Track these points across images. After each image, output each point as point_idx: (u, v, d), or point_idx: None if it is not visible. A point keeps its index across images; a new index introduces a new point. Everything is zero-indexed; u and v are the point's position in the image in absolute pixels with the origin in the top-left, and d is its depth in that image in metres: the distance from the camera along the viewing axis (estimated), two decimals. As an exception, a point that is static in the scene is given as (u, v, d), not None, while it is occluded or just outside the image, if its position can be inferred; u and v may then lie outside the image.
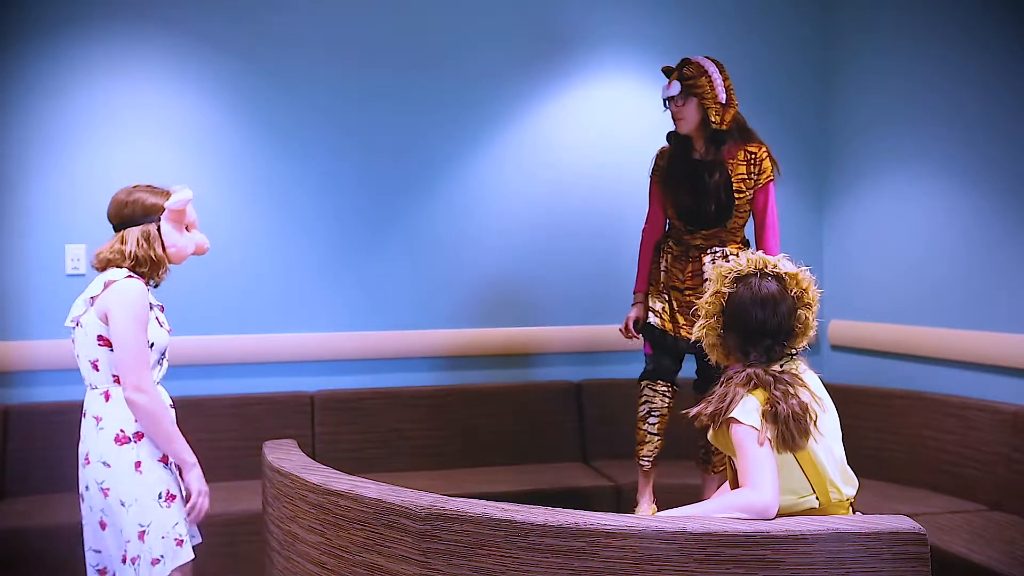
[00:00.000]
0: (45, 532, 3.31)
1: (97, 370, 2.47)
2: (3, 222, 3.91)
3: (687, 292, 3.40)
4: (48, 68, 3.93)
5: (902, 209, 4.26)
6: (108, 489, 2.43)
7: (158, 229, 2.54)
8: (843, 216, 4.66)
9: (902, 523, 1.95)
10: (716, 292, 2.26)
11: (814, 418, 2.12)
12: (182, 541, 2.46)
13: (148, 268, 2.52)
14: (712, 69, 3.31)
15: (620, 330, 3.59)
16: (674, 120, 3.37)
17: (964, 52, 3.92)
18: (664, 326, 3.44)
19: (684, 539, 1.88)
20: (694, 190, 3.35)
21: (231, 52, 4.11)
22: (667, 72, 3.40)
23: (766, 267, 2.25)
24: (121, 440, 2.43)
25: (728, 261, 3.36)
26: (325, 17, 4.21)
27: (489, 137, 4.42)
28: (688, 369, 3.53)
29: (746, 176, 3.34)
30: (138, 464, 2.43)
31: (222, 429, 3.97)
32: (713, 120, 3.30)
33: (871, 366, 4.39)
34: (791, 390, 2.12)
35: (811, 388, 2.20)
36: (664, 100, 3.39)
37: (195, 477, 2.51)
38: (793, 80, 4.73)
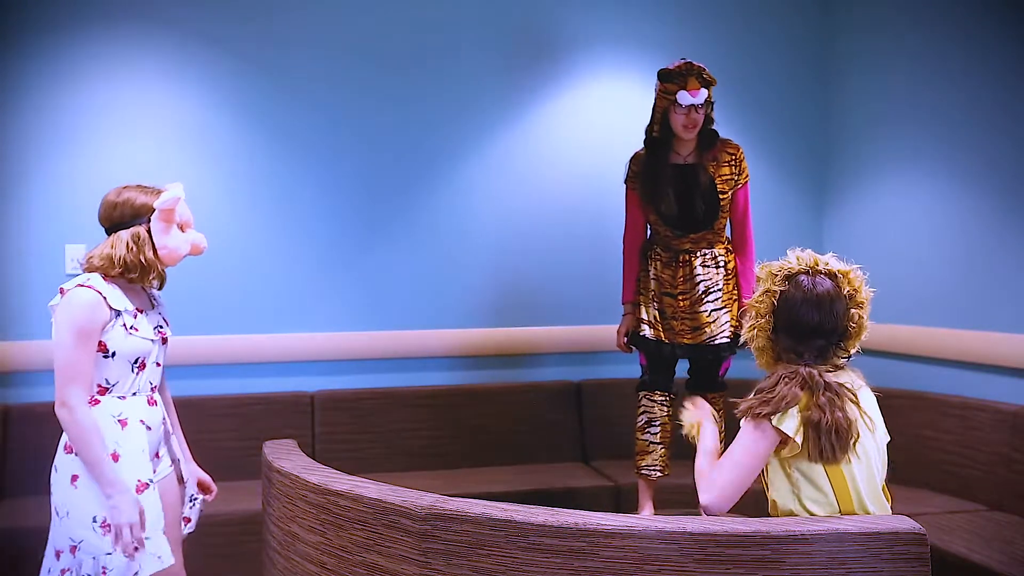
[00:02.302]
0: (45, 532, 3.30)
1: None
2: (3, 222, 3.91)
3: (680, 297, 3.39)
4: (48, 68, 3.93)
5: (902, 209, 4.26)
6: (52, 493, 2.39)
7: (148, 231, 2.44)
8: (843, 216, 4.65)
9: (902, 523, 1.95)
10: (767, 291, 2.17)
11: (855, 437, 2.07)
12: (105, 570, 2.31)
13: (138, 273, 2.43)
14: None
15: (617, 347, 3.58)
16: (685, 127, 3.27)
17: (965, 52, 3.92)
18: (658, 335, 3.43)
19: (684, 539, 1.88)
20: (678, 195, 3.32)
21: (231, 52, 4.11)
22: (667, 76, 3.26)
23: (816, 265, 2.17)
24: (68, 449, 2.38)
25: (718, 262, 3.38)
26: (325, 17, 4.21)
27: (490, 137, 4.42)
28: (681, 371, 3.54)
29: (729, 176, 3.35)
30: (74, 478, 2.35)
31: (222, 429, 3.97)
32: (712, 124, 3.33)
33: (871, 366, 4.34)
34: (838, 401, 2.06)
35: (862, 405, 2.13)
36: (682, 107, 3.23)
37: (114, 508, 2.29)
38: (793, 80, 4.73)
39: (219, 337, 4.12)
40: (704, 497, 2.11)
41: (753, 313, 2.19)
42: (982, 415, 3.66)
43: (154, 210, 2.44)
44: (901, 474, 3.92)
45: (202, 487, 2.75)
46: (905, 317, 4.22)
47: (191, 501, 2.69)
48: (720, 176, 3.34)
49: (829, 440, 2.03)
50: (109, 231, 2.46)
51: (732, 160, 3.36)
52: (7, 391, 3.89)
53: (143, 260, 2.42)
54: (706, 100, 3.26)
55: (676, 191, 3.33)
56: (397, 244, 4.33)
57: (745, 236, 3.43)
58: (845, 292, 2.15)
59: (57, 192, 3.95)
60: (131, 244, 2.42)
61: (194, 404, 3.95)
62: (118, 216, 2.44)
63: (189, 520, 2.68)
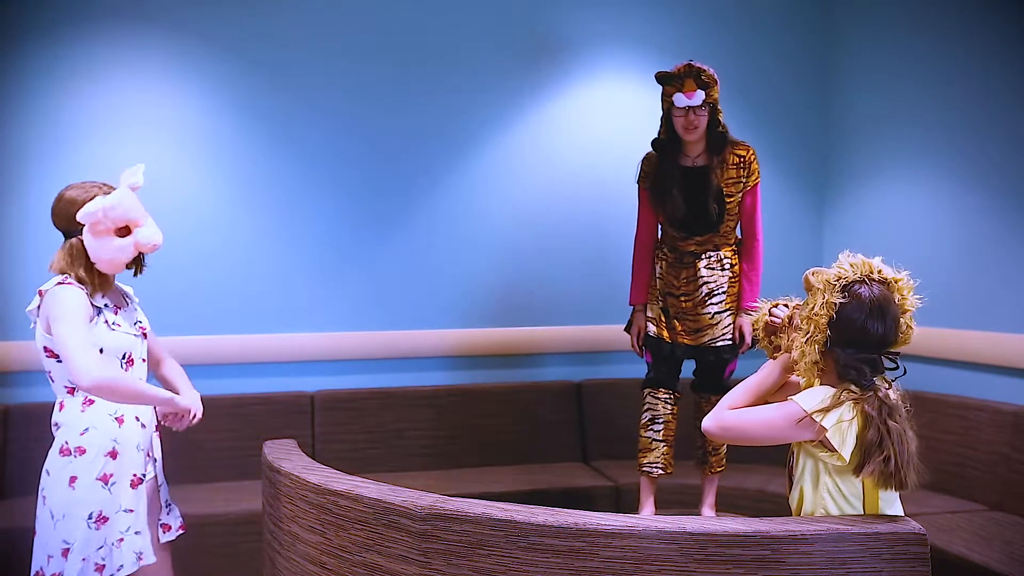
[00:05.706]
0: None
1: (53, 381, 2.42)
2: (3, 222, 3.91)
3: (683, 299, 3.39)
4: (49, 67, 3.93)
5: (903, 209, 4.26)
6: (45, 497, 2.37)
7: (82, 241, 2.38)
8: (844, 216, 4.65)
9: (902, 523, 1.95)
10: (826, 303, 2.03)
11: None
12: (103, 567, 2.34)
13: (88, 282, 2.40)
14: (717, 77, 3.27)
15: (632, 348, 3.56)
16: (685, 129, 3.27)
17: (966, 52, 3.92)
18: (660, 334, 3.43)
19: (684, 539, 1.88)
20: (686, 198, 3.31)
21: (232, 51, 4.11)
22: (665, 79, 3.28)
23: (871, 272, 2.08)
24: (64, 451, 2.36)
25: (723, 265, 3.36)
26: (325, 18, 4.21)
27: (491, 137, 4.42)
28: (687, 371, 3.53)
29: (736, 179, 3.32)
30: (73, 479, 2.33)
31: (222, 429, 3.97)
32: (720, 127, 3.29)
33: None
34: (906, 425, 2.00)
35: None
36: (679, 108, 3.23)
37: (177, 402, 2.47)
38: (794, 80, 4.73)
39: (219, 337, 4.12)
40: (707, 422, 2.14)
41: (812, 327, 2.05)
42: (982, 415, 3.66)
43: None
44: (901, 474, 3.92)
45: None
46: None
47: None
48: (727, 179, 3.32)
49: (903, 469, 1.96)
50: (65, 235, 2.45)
51: (740, 163, 3.31)
52: (7, 391, 3.90)
53: (81, 273, 2.40)
54: (705, 102, 3.23)
55: (683, 194, 3.32)
56: (397, 244, 4.33)
57: (753, 240, 3.39)
58: (897, 300, 2.08)
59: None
60: (66, 256, 2.41)
61: (194, 404, 3.95)
62: (59, 224, 2.45)
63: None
